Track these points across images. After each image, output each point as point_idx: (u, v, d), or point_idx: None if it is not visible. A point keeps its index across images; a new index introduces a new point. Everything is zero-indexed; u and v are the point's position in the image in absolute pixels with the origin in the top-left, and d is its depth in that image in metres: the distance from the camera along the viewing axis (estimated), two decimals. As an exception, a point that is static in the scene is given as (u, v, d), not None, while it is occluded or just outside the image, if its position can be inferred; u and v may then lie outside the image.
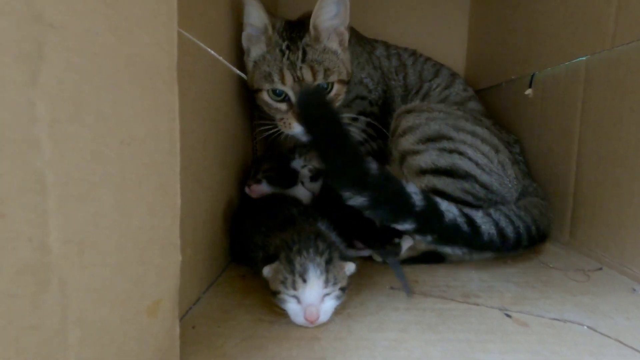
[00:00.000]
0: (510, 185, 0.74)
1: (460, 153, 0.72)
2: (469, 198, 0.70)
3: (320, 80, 0.74)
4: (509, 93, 0.98)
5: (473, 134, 0.75)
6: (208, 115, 0.58)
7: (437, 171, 0.71)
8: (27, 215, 0.21)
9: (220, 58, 0.63)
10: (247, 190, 0.73)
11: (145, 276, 0.32)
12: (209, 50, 0.57)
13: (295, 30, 0.75)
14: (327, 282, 0.46)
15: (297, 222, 0.57)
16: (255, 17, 0.73)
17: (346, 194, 0.52)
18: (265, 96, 0.75)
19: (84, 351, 0.26)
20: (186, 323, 0.46)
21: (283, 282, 0.46)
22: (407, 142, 0.75)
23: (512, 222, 0.64)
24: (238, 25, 0.76)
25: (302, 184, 0.79)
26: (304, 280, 0.45)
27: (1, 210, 0.19)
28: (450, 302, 0.53)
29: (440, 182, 0.70)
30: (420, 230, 0.57)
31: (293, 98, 0.74)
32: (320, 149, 0.51)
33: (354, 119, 0.86)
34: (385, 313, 0.49)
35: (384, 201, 0.53)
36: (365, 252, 0.69)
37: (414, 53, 1.02)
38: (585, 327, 0.46)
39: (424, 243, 0.61)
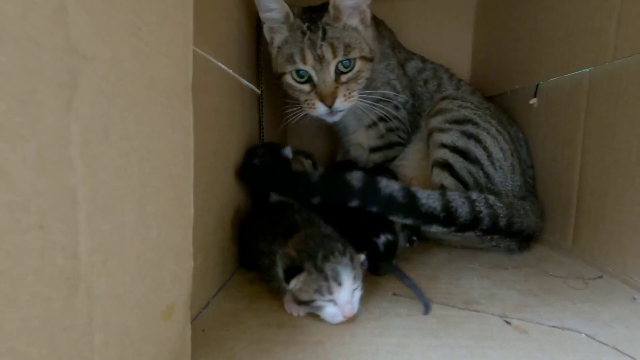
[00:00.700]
0: (510, 187, 0.80)
1: (478, 140, 0.81)
2: (470, 180, 0.79)
3: (340, 56, 0.74)
4: (514, 102, 0.99)
5: (497, 129, 0.83)
6: (219, 127, 0.61)
7: (454, 149, 0.80)
8: (62, 227, 0.23)
9: (230, 71, 0.65)
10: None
11: (161, 282, 0.34)
12: (220, 64, 0.59)
13: (316, 12, 0.77)
14: (355, 278, 0.49)
15: (300, 227, 0.58)
16: (275, 8, 0.75)
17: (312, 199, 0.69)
18: (289, 79, 0.78)
19: (107, 351, 0.28)
20: (197, 326, 0.48)
21: (318, 290, 0.48)
22: (436, 121, 0.84)
23: (471, 204, 0.70)
24: (249, 39, 0.79)
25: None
26: (339, 284, 0.48)
27: (41, 222, 0.22)
28: (452, 308, 0.54)
29: (453, 158, 0.80)
30: (364, 205, 0.67)
31: (315, 77, 0.76)
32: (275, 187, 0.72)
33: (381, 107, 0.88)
34: (388, 319, 0.51)
35: (331, 192, 0.68)
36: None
37: (447, 70, 1.06)
38: (584, 335, 0.47)
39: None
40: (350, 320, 0.50)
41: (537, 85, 0.88)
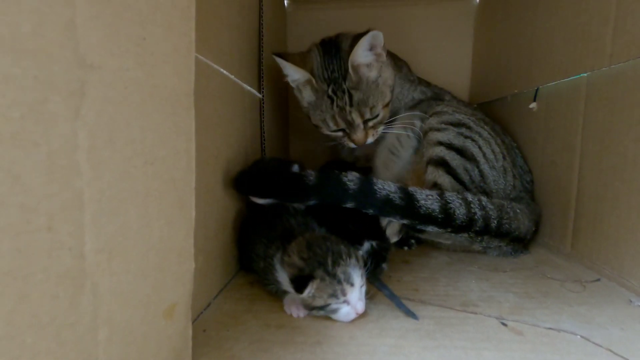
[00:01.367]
0: (502, 187, 0.82)
1: (474, 140, 0.84)
2: (466, 177, 0.81)
3: (367, 117, 0.86)
4: (514, 106, 1.00)
5: (489, 134, 0.86)
6: (220, 131, 0.62)
7: (450, 146, 0.83)
8: (69, 228, 0.25)
9: (231, 76, 0.67)
10: None
11: (163, 282, 0.35)
12: (222, 70, 0.61)
13: (334, 68, 0.84)
14: (362, 276, 0.51)
15: (296, 231, 0.59)
16: (295, 73, 0.85)
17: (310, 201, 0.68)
18: (324, 131, 0.91)
19: (111, 348, 0.29)
20: (197, 327, 0.49)
21: (333, 295, 0.49)
22: (432, 122, 0.88)
23: (467, 205, 0.71)
24: (250, 44, 0.81)
25: None
26: (352, 285, 0.50)
27: (50, 224, 0.23)
28: (449, 310, 0.55)
29: (449, 155, 0.82)
30: (360, 206, 0.67)
31: (347, 130, 0.88)
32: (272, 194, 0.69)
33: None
34: (385, 320, 0.52)
35: (327, 196, 0.67)
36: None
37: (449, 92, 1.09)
38: (579, 336, 0.47)
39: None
40: (349, 321, 0.51)
41: (537, 90, 0.89)
